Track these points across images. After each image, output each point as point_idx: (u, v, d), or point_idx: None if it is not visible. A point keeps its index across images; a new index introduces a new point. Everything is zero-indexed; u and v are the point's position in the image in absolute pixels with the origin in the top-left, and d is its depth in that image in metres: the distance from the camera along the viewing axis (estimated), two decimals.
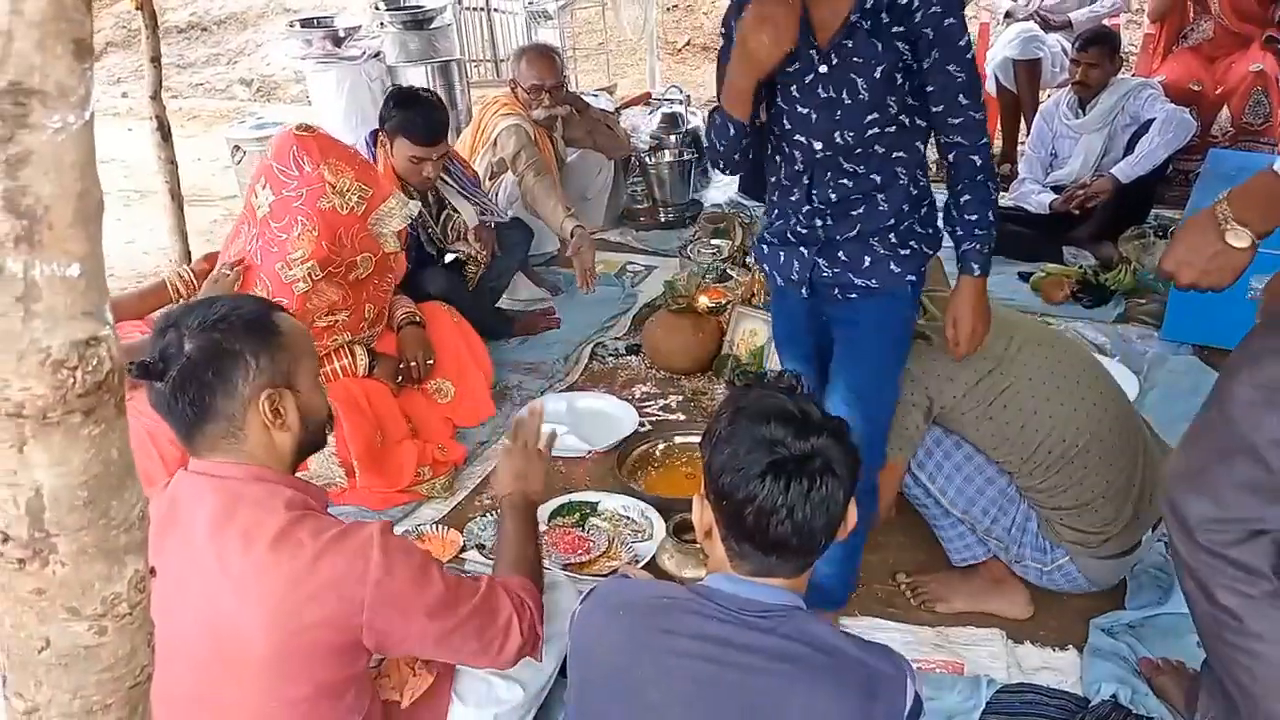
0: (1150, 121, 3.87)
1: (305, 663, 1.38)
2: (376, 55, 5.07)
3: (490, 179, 3.85)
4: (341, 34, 5.12)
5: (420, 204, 2.88)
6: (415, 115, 3.04)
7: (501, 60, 6.29)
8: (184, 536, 1.39)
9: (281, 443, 1.44)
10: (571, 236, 3.46)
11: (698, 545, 1.35)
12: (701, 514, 1.32)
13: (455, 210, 3.28)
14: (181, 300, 2.63)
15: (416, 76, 5.09)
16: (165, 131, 3.75)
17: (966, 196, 1.85)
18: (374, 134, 3.17)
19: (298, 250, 2.49)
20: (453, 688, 1.66)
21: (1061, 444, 2.00)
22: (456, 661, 1.60)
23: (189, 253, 3.85)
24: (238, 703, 1.39)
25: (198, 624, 1.36)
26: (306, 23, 5.26)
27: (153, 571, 0.56)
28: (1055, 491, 2.03)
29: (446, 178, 3.27)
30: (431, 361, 2.85)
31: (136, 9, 3.60)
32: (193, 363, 1.38)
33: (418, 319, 2.87)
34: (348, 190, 2.54)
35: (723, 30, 1.88)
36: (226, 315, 1.42)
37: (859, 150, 1.82)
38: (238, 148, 4.77)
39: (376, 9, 5.43)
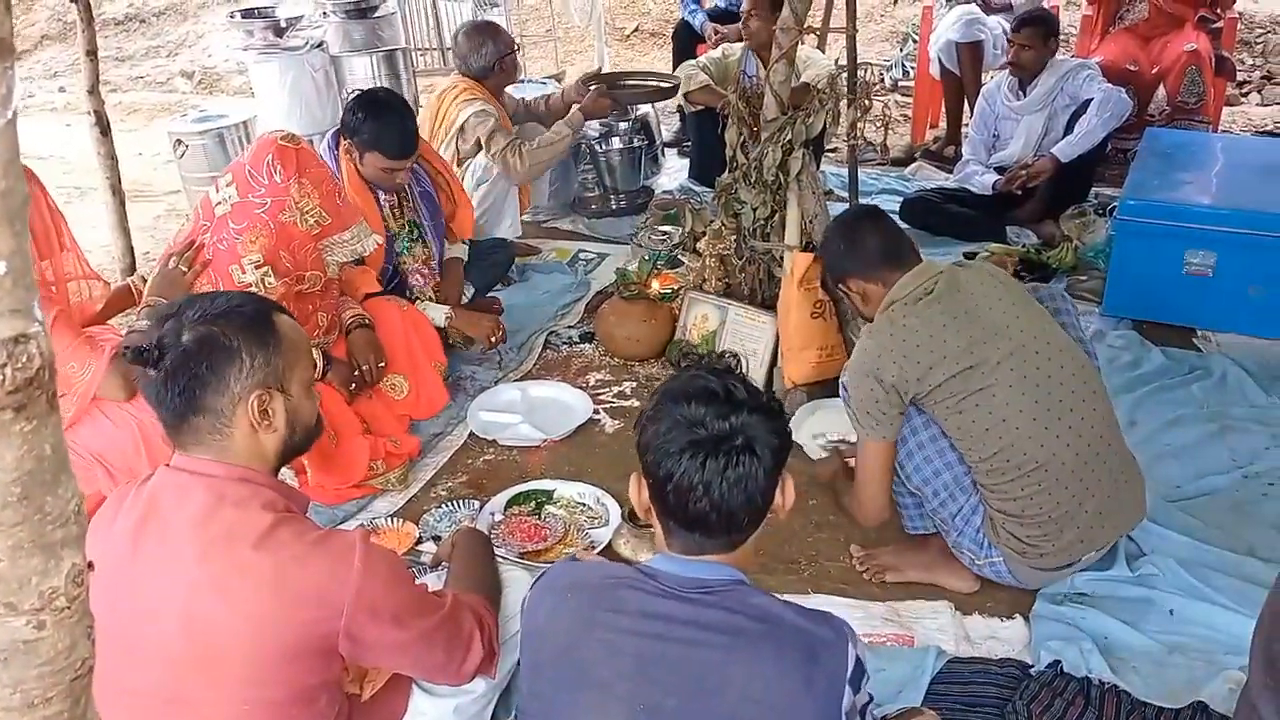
0: (1089, 101, 3.94)
1: (282, 666, 1.38)
2: (320, 45, 5.00)
3: (458, 165, 3.85)
4: (283, 24, 5.03)
5: (381, 239, 2.84)
6: (387, 129, 2.96)
7: (448, 48, 6.23)
8: (163, 534, 1.37)
9: (267, 444, 1.44)
10: (579, 113, 3.99)
11: (653, 530, 1.37)
12: (639, 492, 1.36)
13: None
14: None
15: (361, 66, 5.04)
16: (104, 126, 3.69)
17: None
18: (336, 135, 3.08)
19: (251, 254, 2.47)
20: (413, 679, 1.67)
21: (1021, 456, 2.01)
22: (420, 674, 1.60)
23: (132, 249, 3.79)
24: (211, 703, 1.38)
25: (175, 622, 1.35)
26: (247, 13, 5.17)
27: (90, 566, 0.56)
28: (1005, 497, 2.05)
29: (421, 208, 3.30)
30: (383, 365, 2.81)
31: (71, 1, 3.52)
32: (187, 353, 1.38)
33: (366, 320, 2.83)
34: (308, 211, 2.54)
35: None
36: (228, 310, 1.43)
37: None
38: (180, 141, 4.69)
39: None
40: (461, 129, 3.80)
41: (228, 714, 1.38)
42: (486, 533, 2.42)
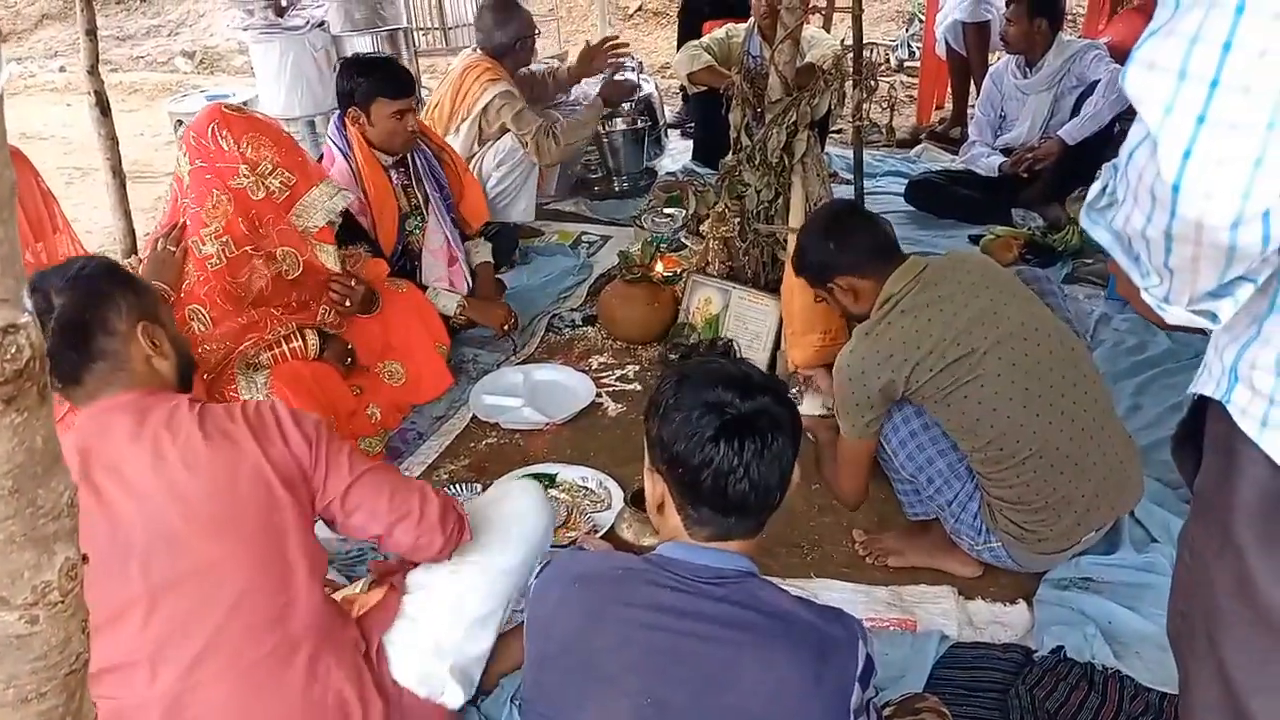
0: (1096, 83, 3.90)
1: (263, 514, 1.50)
2: (321, 25, 4.97)
3: (478, 145, 3.87)
4: (284, 3, 5.01)
5: (351, 195, 2.83)
6: (382, 73, 3.08)
7: (450, 28, 6.20)
8: (106, 469, 1.44)
9: (164, 369, 1.57)
10: (605, 96, 4.10)
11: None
12: (653, 487, 1.34)
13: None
14: None
15: (362, 45, 5.01)
16: (104, 107, 3.66)
17: None
18: (340, 118, 3.11)
19: (211, 223, 2.47)
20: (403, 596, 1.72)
21: (1014, 445, 1.98)
22: (389, 514, 1.64)
23: (133, 230, 3.78)
24: (223, 559, 1.46)
25: (146, 525, 1.42)
26: None
27: (85, 559, 0.55)
28: (1001, 485, 2.03)
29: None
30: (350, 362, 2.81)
31: None
32: (68, 312, 1.47)
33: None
34: (269, 174, 2.51)
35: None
36: (84, 266, 1.54)
37: None
38: (180, 122, 4.67)
39: None
40: (485, 111, 3.79)
41: (244, 564, 1.48)
42: None
